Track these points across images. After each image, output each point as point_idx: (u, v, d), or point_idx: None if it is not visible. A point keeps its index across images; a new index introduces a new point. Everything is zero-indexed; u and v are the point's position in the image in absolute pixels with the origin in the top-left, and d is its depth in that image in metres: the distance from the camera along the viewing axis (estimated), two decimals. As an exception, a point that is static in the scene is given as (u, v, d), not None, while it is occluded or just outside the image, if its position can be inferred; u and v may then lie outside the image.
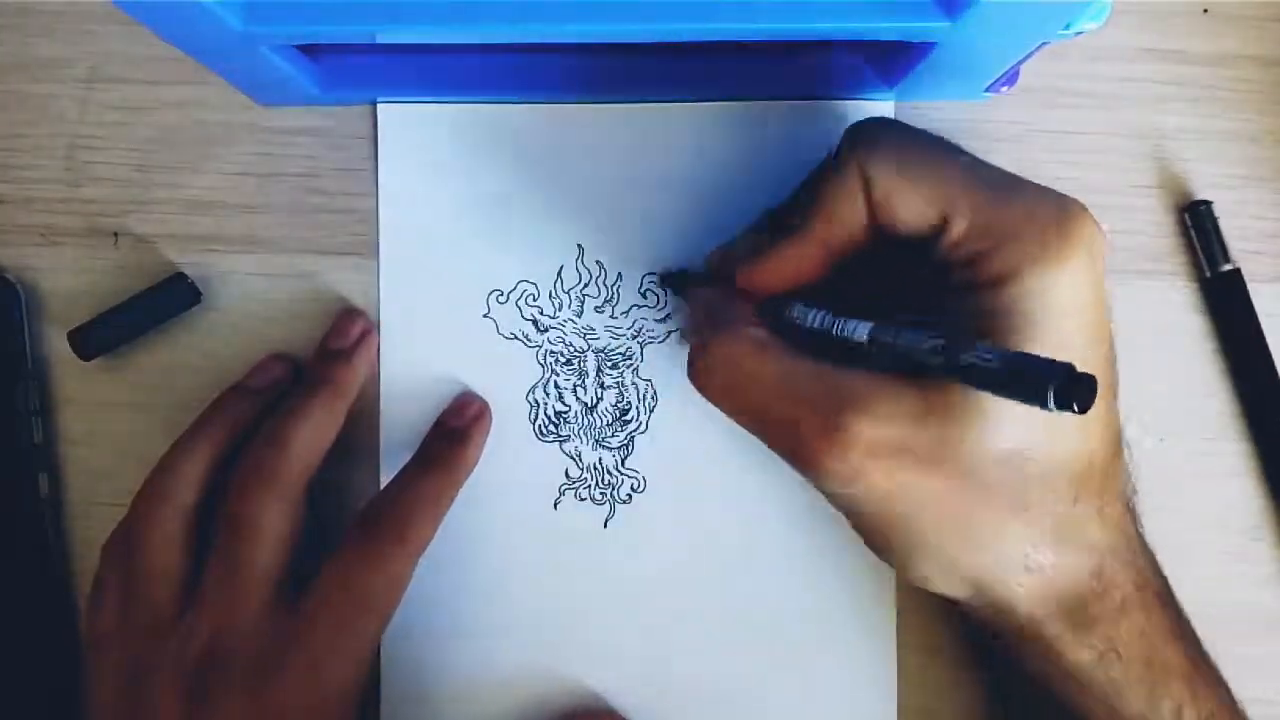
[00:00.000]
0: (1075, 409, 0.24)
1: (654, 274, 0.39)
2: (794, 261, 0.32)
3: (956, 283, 0.29)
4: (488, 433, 0.39)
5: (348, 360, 0.38)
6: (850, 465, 0.28)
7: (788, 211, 0.33)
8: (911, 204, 0.30)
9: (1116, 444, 0.30)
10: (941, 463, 0.28)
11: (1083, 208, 0.29)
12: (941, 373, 0.27)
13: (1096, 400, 0.25)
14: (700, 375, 0.31)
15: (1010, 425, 0.28)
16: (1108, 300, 0.30)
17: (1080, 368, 0.25)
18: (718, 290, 0.34)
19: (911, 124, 0.34)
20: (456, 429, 0.38)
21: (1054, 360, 0.25)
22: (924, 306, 0.30)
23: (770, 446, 0.31)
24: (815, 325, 0.31)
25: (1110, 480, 0.31)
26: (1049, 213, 0.29)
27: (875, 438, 0.28)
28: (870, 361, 0.29)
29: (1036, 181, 0.31)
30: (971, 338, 0.27)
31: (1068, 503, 0.30)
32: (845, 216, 0.31)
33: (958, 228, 0.29)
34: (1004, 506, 0.29)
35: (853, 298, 0.31)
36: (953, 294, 0.29)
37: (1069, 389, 0.24)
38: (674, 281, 0.39)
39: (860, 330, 0.30)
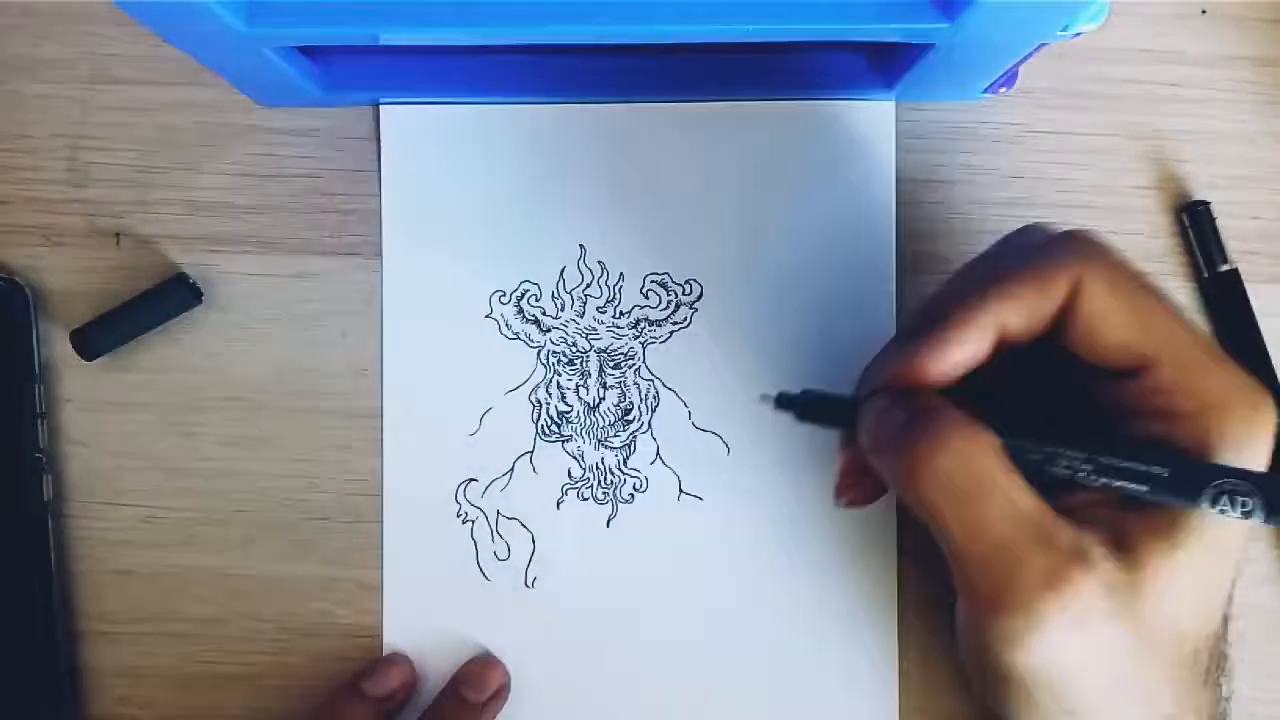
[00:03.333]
0: None
1: (769, 395, 0.32)
2: (963, 348, 0.28)
3: (1136, 431, 0.28)
4: (502, 706, 0.38)
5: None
6: (1067, 616, 0.26)
7: (960, 292, 0.29)
8: (1122, 334, 0.27)
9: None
10: (1145, 629, 0.27)
11: (1269, 401, 0.28)
12: (1178, 493, 0.26)
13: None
14: (918, 468, 0.27)
15: (1199, 593, 0.27)
16: None
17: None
18: (904, 395, 0.29)
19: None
20: (470, 703, 0.38)
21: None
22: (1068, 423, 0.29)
23: (958, 563, 0.28)
24: (1027, 459, 0.28)
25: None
26: (1251, 395, 0.27)
27: (1098, 598, 0.26)
28: (1089, 484, 0.27)
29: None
30: (1214, 468, 0.26)
31: (1211, 679, 0.30)
32: (1035, 312, 0.28)
33: (1163, 375, 0.27)
34: (1186, 677, 0.28)
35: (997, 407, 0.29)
36: (1133, 438, 0.28)
37: None
38: (798, 406, 0.32)
39: (1078, 453, 0.27)
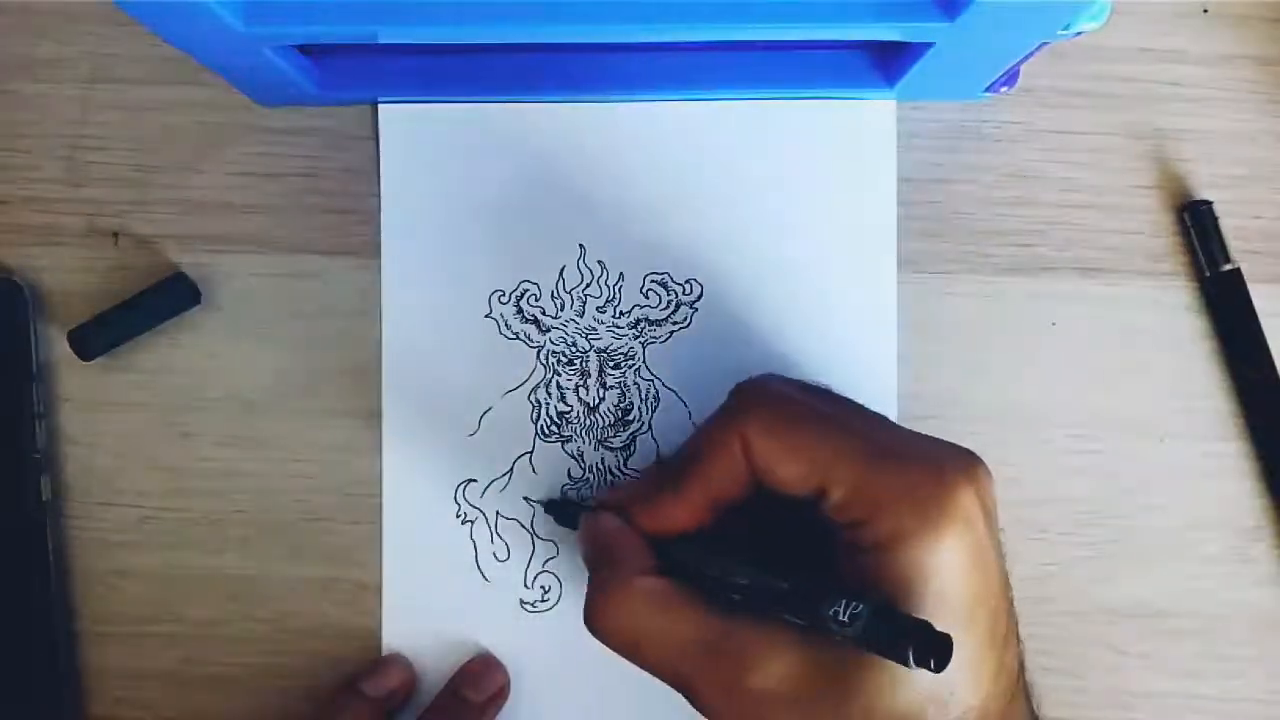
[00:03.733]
0: (932, 667, 0.25)
1: (540, 501, 0.39)
2: (683, 512, 0.32)
3: (842, 541, 0.30)
4: (502, 707, 0.39)
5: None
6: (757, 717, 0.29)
7: (676, 460, 0.33)
8: (789, 472, 0.30)
9: (1012, 690, 0.30)
10: (845, 715, 0.28)
11: (962, 474, 0.29)
12: (813, 626, 0.28)
13: (984, 652, 0.28)
14: (593, 625, 0.32)
15: (904, 678, 0.28)
16: (998, 554, 0.30)
17: (961, 627, 0.27)
18: (607, 522, 0.33)
19: (804, 382, 0.34)
20: (470, 703, 0.38)
21: (912, 619, 0.26)
22: (815, 553, 0.31)
23: (673, 687, 0.31)
24: (702, 568, 0.31)
25: None
26: (927, 485, 0.29)
27: (772, 692, 0.29)
28: (754, 607, 0.30)
29: (930, 438, 0.31)
30: (836, 590, 0.28)
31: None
32: (726, 474, 0.31)
33: (836, 495, 0.29)
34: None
35: (753, 534, 0.32)
36: (841, 551, 0.30)
37: (927, 648, 0.26)
38: (557, 511, 0.38)
39: (743, 574, 0.30)
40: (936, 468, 0.29)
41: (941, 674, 0.26)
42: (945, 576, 0.28)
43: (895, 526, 0.28)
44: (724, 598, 0.30)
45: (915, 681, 0.28)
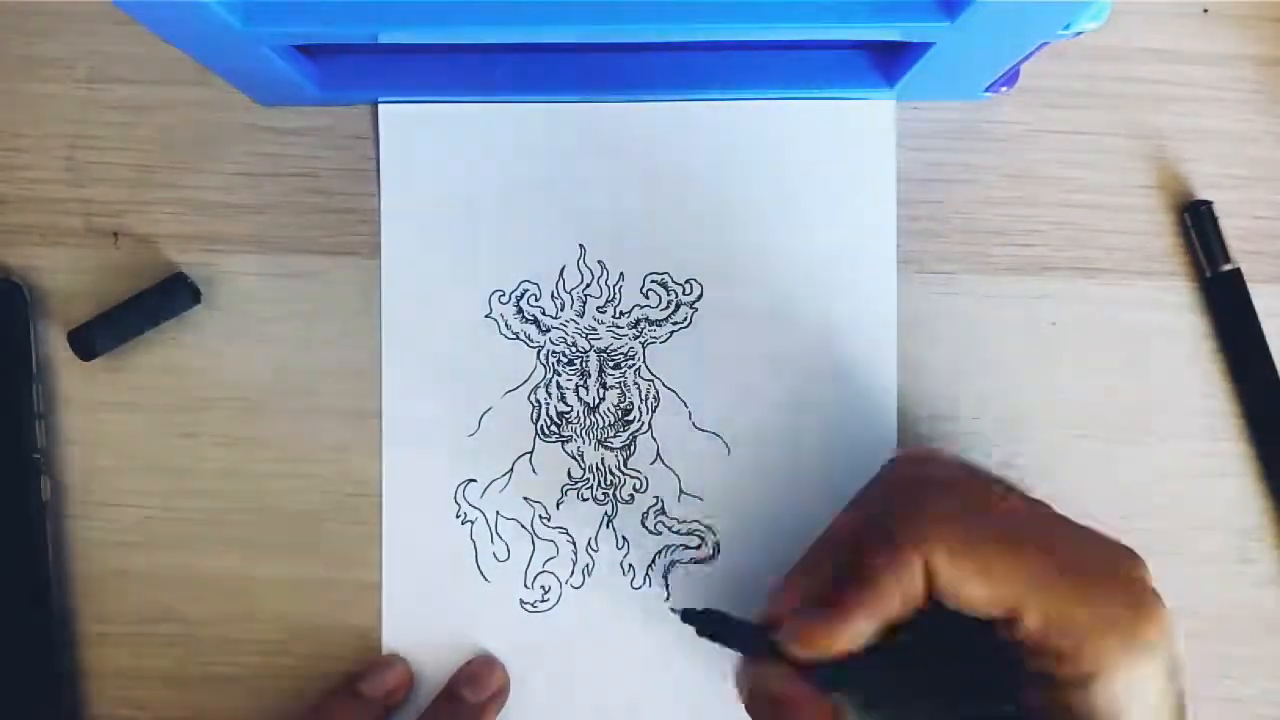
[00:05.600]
0: None
1: (677, 611, 0.33)
2: (850, 635, 0.30)
3: (1031, 667, 0.29)
4: (502, 707, 0.39)
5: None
6: None
7: (836, 568, 0.31)
8: (980, 597, 0.28)
9: None
10: None
11: (1152, 593, 0.29)
12: None
13: None
14: None
15: None
16: (1186, 676, 0.29)
17: None
18: (779, 685, 0.30)
19: (969, 466, 0.32)
20: (469, 703, 0.38)
21: None
22: (993, 673, 0.29)
23: None
24: (886, 699, 0.30)
25: None
26: (1129, 612, 0.28)
27: None
28: None
29: (1092, 534, 0.30)
30: None
31: None
32: (904, 598, 0.29)
33: (1031, 623, 0.28)
34: None
35: (916, 655, 0.30)
36: (1029, 679, 0.29)
37: None
38: (700, 622, 0.33)
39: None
40: (1133, 593, 0.28)
41: None
42: (1152, 698, 0.28)
43: (1102, 660, 0.28)
44: None
45: None
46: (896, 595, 0.29)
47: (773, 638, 0.31)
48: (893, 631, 0.30)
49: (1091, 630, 0.28)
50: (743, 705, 0.32)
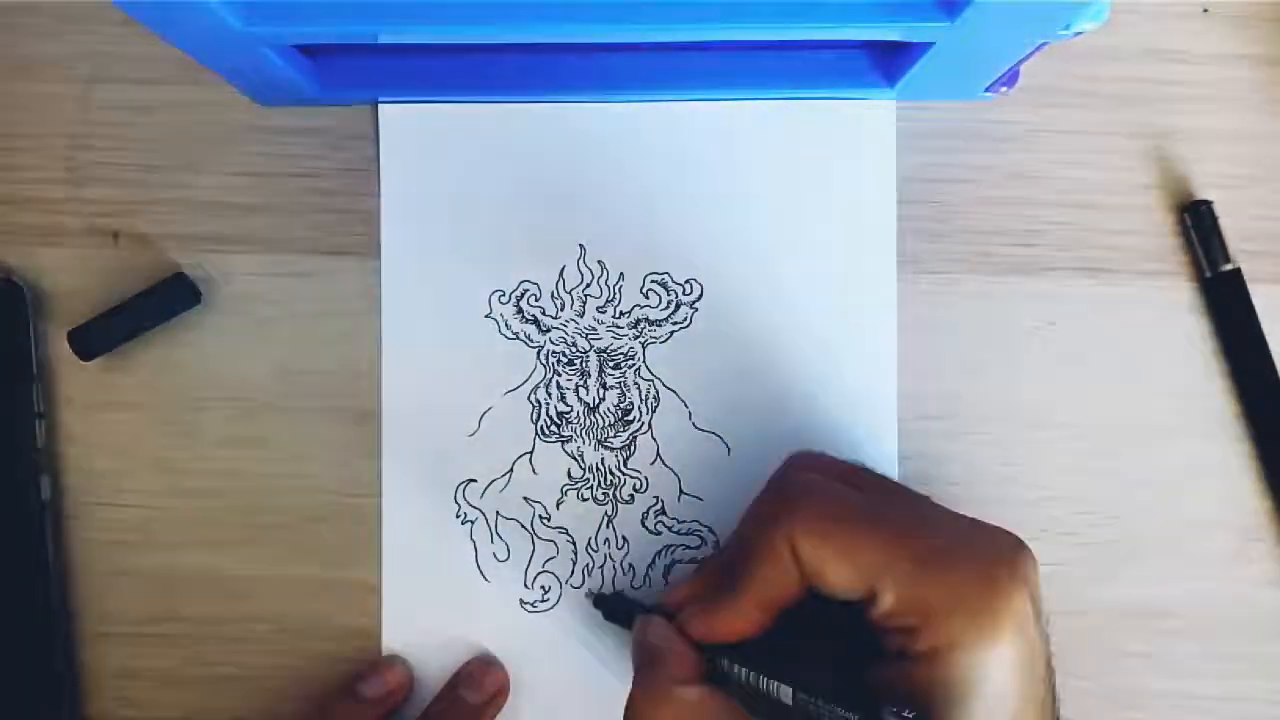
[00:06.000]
0: None
1: (590, 595, 0.39)
2: (737, 620, 0.32)
3: (888, 647, 0.30)
4: (502, 708, 0.39)
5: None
6: None
7: (726, 563, 0.33)
8: (838, 576, 0.30)
9: None
10: None
11: (1012, 576, 0.29)
12: None
13: None
14: None
15: None
16: (1045, 648, 0.30)
17: None
18: (656, 629, 0.33)
19: (850, 463, 0.34)
20: (468, 704, 0.38)
21: None
22: (867, 654, 0.30)
23: None
24: (745, 680, 0.31)
25: None
26: (980, 592, 0.29)
27: None
28: None
29: (974, 519, 0.31)
30: (890, 709, 0.28)
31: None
32: (779, 581, 0.31)
33: (885, 601, 0.29)
34: None
35: (808, 632, 0.32)
36: (887, 656, 0.30)
37: None
38: (607, 606, 0.38)
39: (785, 692, 0.30)
40: (987, 572, 0.29)
41: None
42: (996, 681, 0.28)
43: (947, 636, 0.28)
44: (766, 712, 0.30)
45: None
46: (771, 577, 0.31)
47: (673, 619, 0.33)
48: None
49: (941, 609, 0.29)
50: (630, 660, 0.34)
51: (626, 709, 0.32)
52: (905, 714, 0.27)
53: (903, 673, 0.29)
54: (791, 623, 0.32)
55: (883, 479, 0.33)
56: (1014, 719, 0.28)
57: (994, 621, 0.28)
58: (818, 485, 0.32)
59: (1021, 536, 0.39)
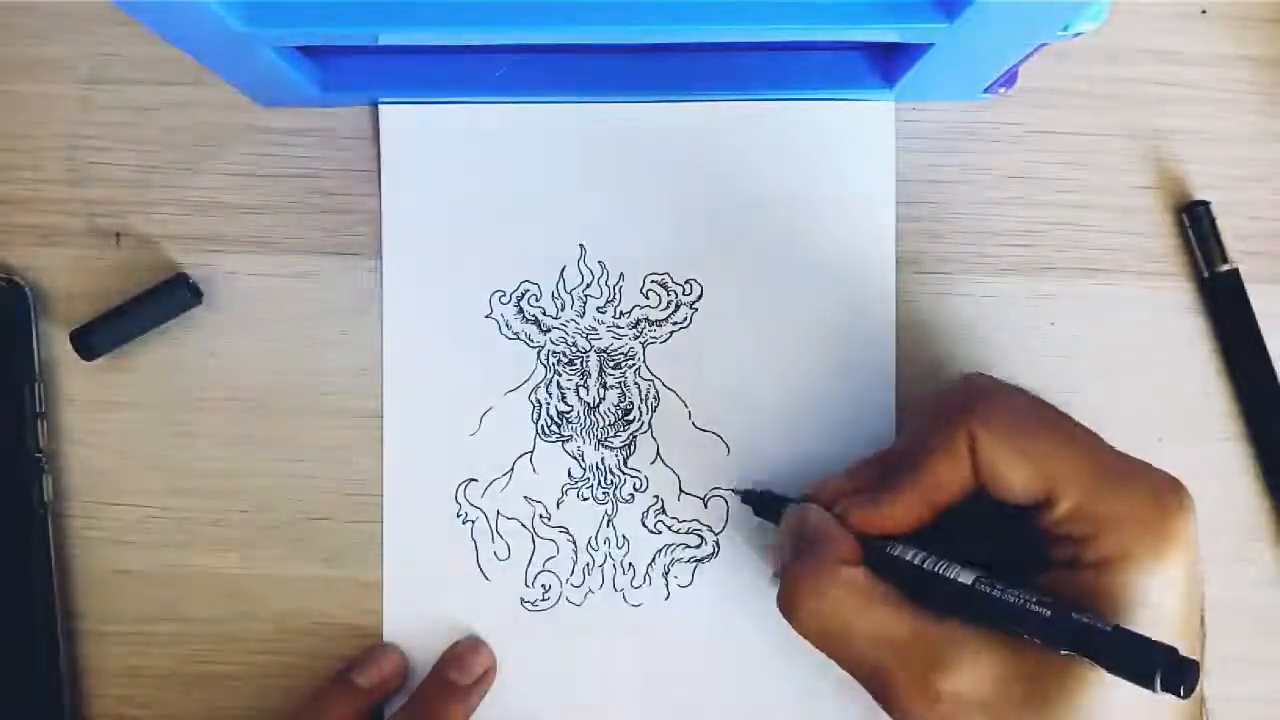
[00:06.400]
0: (1180, 694, 0.25)
1: (731, 490, 0.39)
2: (900, 514, 0.32)
3: (1057, 556, 0.30)
4: (488, 690, 0.39)
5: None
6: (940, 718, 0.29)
7: (897, 456, 0.33)
8: (1018, 477, 0.30)
9: (1197, 715, 0.31)
10: None
11: (1181, 504, 0.30)
12: (1046, 637, 0.28)
13: None
14: (792, 611, 0.31)
15: (1101, 705, 0.28)
16: (1201, 581, 0.30)
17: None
18: (817, 514, 0.33)
19: (1021, 385, 0.34)
20: (457, 686, 0.38)
21: (1163, 644, 0.26)
22: (1024, 561, 0.30)
23: (860, 683, 0.31)
24: (918, 563, 0.31)
25: None
26: (1154, 509, 0.29)
27: (966, 696, 0.29)
28: (969, 610, 0.30)
29: (1138, 459, 0.31)
30: (1075, 608, 0.28)
31: None
32: (951, 478, 0.31)
33: (1061, 508, 0.30)
34: None
35: (957, 538, 0.32)
36: (1053, 564, 0.30)
37: (1176, 673, 0.26)
38: (757, 501, 0.38)
39: (965, 576, 0.30)
40: (1160, 493, 0.30)
41: (1147, 695, 0.26)
42: (1163, 600, 0.29)
43: (1120, 547, 0.29)
44: (933, 600, 0.30)
45: (1118, 697, 0.28)
46: (944, 472, 0.31)
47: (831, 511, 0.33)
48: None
49: (1118, 521, 0.29)
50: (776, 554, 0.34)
51: (782, 591, 0.31)
52: (1098, 622, 0.27)
53: (1071, 581, 0.29)
54: (953, 521, 0.32)
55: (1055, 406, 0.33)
56: (1176, 642, 0.28)
57: (1165, 542, 0.29)
58: (1003, 388, 0.32)
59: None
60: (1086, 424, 0.32)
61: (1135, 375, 0.40)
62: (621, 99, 0.39)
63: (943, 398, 0.33)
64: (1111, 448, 0.32)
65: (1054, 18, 0.31)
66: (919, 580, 0.31)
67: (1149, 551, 0.29)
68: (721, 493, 0.39)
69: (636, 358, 0.39)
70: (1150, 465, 0.31)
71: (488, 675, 0.39)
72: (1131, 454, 0.31)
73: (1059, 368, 0.40)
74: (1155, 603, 0.29)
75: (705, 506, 0.39)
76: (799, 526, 0.33)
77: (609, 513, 0.39)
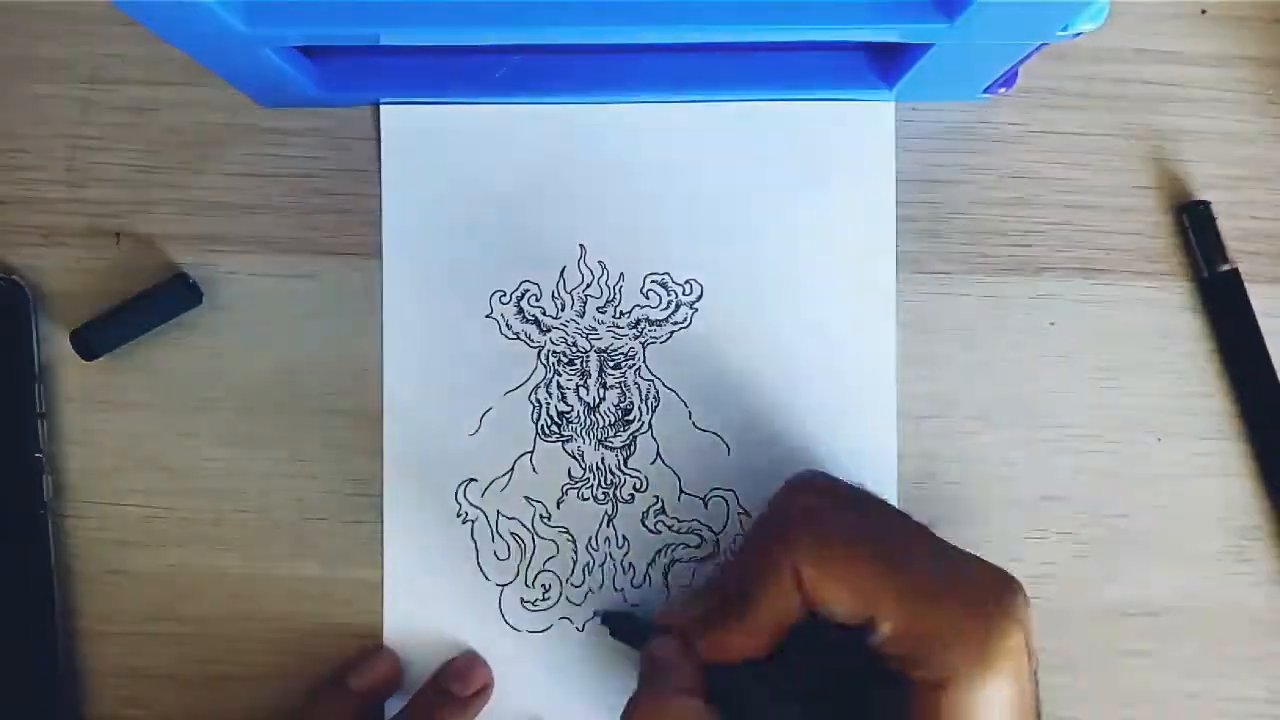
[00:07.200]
0: None
1: (598, 613, 0.39)
2: (741, 641, 0.32)
3: (888, 673, 0.30)
4: (484, 705, 0.39)
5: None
6: None
7: (731, 584, 0.33)
8: (841, 604, 0.30)
9: None
10: None
11: (1005, 612, 0.29)
12: None
13: None
14: None
15: None
16: (1035, 690, 0.30)
17: None
18: (662, 645, 0.34)
19: (852, 486, 0.34)
20: (455, 698, 0.38)
21: None
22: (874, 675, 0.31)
23: None
24: (753, 701, 0.32)
25: None
26: (976, 627, 0.29)
27: None
28: None
29: (973, 554, 0.31)
30: None
31: None
32: (782, 606, 0.31)
33: (884, 629, 0.29)
34: None
35: (814, 654, 0.32)
36: (885, 683, 0.30)
37: None
38: (615, 623, 0.38)
39: (793, 713, 0.31)
40: (984, 608, 0.29)
41: None
42: (991, 716, 0.29)
43: (946, 667, 0.29)
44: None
45: None
46: (774, 601, 0.31)
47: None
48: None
49: (941, 641, 0.29)
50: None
51: (624, 714, 0.32)
52: None
53: (903, 699, 0.29)
54: (798, 640, 0.32)
55: (882, 503, 0.34)
56: None
57: (989, 658, 0.29)
58: (817, 512, 0.32)
59: (1021, 537, 0.39)
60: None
61: (1134, 375, 0.40)
62: (621, 99, 0.39)
63: (771, 517, 0.33)
64: (943, 552, 0.31)
65: (1054, 18, 0.31)
66: (760, 710, 0.31)
67: (975, 667, 0.28)
68: (722, 493, 0.39)
69: (636, 358, 0.39)
70: (981, 567, 0.31)
71: (486, 690, 0.39)
72: (967, 550, 0.31)
73: (1057, 367, 0.40)
74: (985, 716, 0.29)
75: (705, 507, 0.39)
76: (651, 656, 0.34)
77: (609, 513, 0.39)
